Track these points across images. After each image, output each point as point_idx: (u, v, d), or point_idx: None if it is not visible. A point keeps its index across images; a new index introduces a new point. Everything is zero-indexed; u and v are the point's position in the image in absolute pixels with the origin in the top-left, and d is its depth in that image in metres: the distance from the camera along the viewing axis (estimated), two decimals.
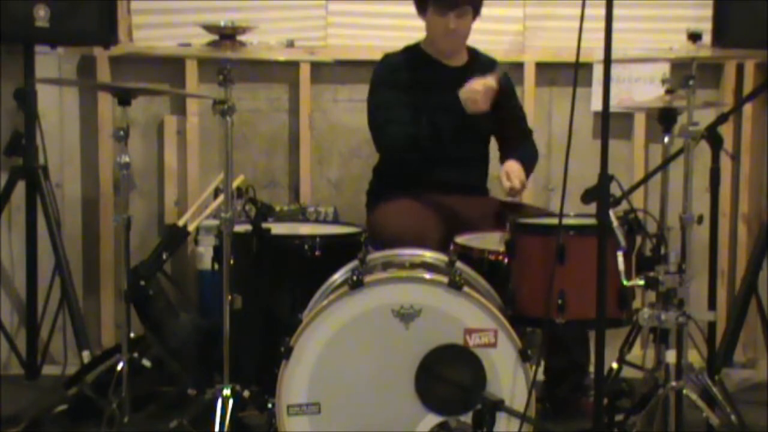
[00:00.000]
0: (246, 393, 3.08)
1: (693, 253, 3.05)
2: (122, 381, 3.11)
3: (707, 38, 3.52)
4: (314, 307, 2.89)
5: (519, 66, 4.27)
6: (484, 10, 3.62)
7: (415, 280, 2.86)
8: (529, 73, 4.30)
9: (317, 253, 3.22)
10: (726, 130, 4.01)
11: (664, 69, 3.88)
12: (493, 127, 3.68)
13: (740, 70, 4.32)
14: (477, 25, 3.64)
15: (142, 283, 3.64)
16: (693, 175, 3.04)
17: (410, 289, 2.82)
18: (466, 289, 2.81)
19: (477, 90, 3.37)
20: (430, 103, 3.47)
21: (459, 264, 3.02)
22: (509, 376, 2.80)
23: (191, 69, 4.23)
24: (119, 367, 3.13)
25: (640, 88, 4.26)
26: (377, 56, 3.78)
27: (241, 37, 3.07)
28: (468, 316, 2.80)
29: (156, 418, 3.29)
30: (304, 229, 3.66)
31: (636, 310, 2.98)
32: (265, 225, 3.25)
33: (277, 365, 2.82)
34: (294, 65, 4.26)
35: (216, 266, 3.25)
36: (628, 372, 3.48)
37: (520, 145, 3.68)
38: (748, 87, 4.27)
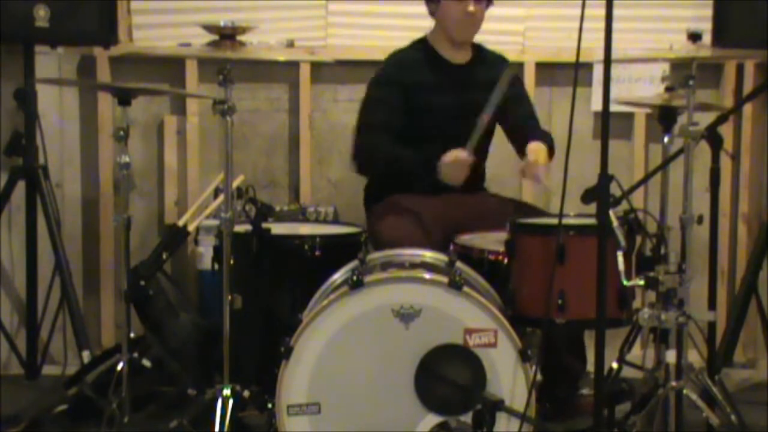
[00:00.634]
0: (246, 393, 3.08)
1: (693, 253, 3.05)
2: (122, 381, 3.11)
3: (707, 38, 3.53)
4: (314, 307, 2.89)
5: (519, 66, 4.25)
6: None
7: (415, 280, 2.86)
8: (529, 73, 4.29)
9: (317, 253, 3.22)
10: (726, 130, 4.00)
11: (664, 69, 3.87)
12: (503, 127, 3.68)
13: (740, 70, 4.32)
14: None
15: (142, 283, 3.64)
16: (693, 175, 3.04)
17: (410, 289, 2.82)
18: (466, 289, 2.81)
19: (447, 163, 3.34)
20: (432, 106, 3.49)
21: (459, 264, 3.02)
22: (509, 376, 2.80)
23: (191, 69, 4.22)
24: (119, 367, 3.12)
25: (640, 88, 4.26)
26: (377, 56, 3.77)
27: (241, 37, 3.07)
28: (468, 316, 2.80)
29: (156, 418, 3.29)
30: (304, 229, 3.66)
31: (636, 310, 2.98)
32: (265, 225, 3.25)
33: (277, 365, 2.82)
34: (294, 65, 4.26)
35: (216, 266, 3.25)
36: (628, 372, 3.47)
37: (537, 135, 3.64)
38: (748, 87, 4.27)
